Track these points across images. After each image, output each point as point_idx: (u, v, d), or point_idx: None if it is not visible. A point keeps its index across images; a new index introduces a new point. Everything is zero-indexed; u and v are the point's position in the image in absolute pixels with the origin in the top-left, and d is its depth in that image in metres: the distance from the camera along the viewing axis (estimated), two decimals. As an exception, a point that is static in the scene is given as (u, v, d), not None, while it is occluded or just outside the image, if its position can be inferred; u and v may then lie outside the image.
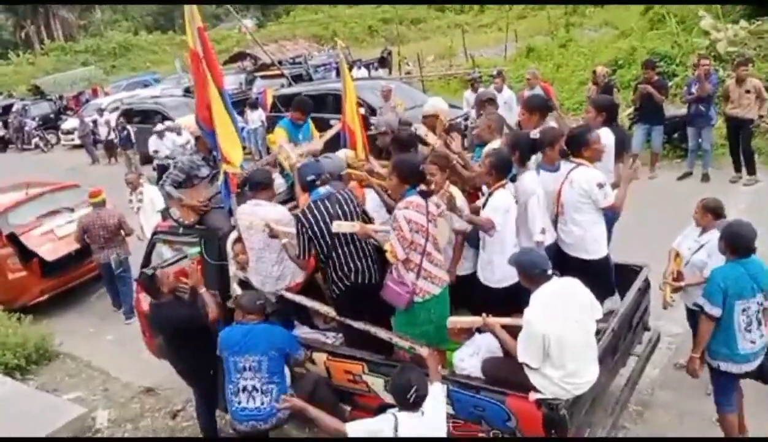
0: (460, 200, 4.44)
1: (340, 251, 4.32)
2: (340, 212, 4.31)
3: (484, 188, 4.58)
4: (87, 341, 7.45)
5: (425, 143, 5.07)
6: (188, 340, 4.68)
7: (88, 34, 50.85)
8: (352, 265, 4.34)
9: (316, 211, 4.30)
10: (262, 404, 4.15)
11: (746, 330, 3.97)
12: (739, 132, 8.89)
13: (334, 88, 11.27)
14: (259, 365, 4.15)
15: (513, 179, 4.36)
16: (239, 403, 4.18)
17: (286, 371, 4.36)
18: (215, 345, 4.38)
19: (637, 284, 4.67)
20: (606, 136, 4.64)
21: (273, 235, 4.56)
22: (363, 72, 20.41)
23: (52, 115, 25.20)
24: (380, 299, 4.18)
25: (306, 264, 4.58)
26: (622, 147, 5.05)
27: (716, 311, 3.94)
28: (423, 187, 4.08)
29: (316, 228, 4.26)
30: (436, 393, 3.46)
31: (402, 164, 4.16)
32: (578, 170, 4.38)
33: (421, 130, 5.07)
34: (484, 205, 4.33)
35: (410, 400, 3.27)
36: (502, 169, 4.23)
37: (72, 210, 8.59)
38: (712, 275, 4.01)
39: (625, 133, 4.91)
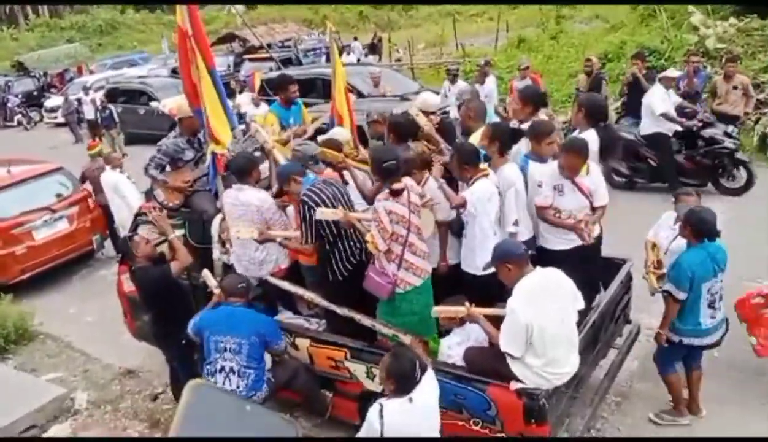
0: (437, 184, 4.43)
1: (347, 232, 4.35)
2: (338, 194, 4.39)
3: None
4: (67, 322, 7.37)
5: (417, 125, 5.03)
6: (161, 301, 4.71)
7: (73, 10, 49.90)
8: (359, 244, 4.38)
9: (320, 193, 4.31)
10: (238, 386, 4.16)
11: (709, 307, 4.26)
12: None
13: (323, 73, 11.20)
14: (239, 348, 4.16)
15: (486, 158, 4.38)
16: (215, 383, 4.17)
17: (266, 356, 4.36)
18: (188, 308, 4.44)
19: (620, 276, 4.70)
20: (591, 139, 4.51)
21: (264, 239, 4.55)
22: (352, 58, 20.28)
23: (35, 92, 24.84)
24: None
25: (313, 248, 4.50)
26: (612, 149, 5.01)
27: (683, 295, 4.19)
28: (396, 186, 4.01)
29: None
30: (428, 380, 3.40)
31: (378, 161, 4.09)
32: (549, 164, 4.39)
33: (413, 110, 5.04)
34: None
35: (417, 378, 3.22)
36: (471, 161, 4.24)
37: (53, 211, 8.44)
38: (680, 262, 4.20)
39: (615, 134, 4.76)
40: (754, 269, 6.01)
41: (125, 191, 8.03)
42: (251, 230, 4.52)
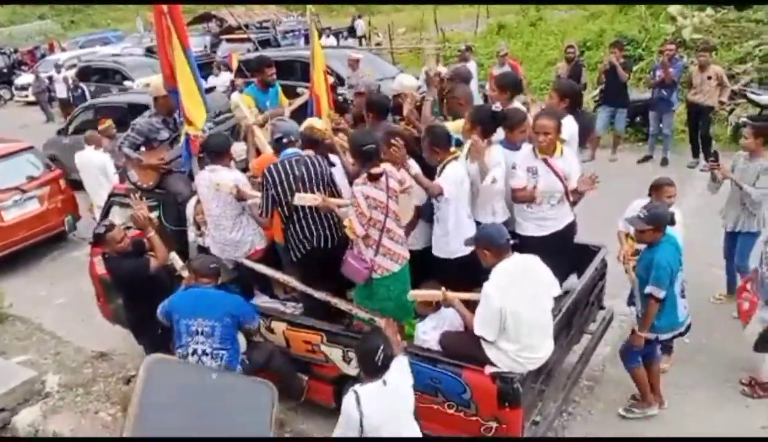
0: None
1: (302, 214, 4.30)
2: (305, 175, 4.30)
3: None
4: (38, 304, 7.25)
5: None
6: (135, 292, 4.67)
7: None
8: (313, 229, 4.33)
9: (282, 170, 4.27)
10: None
11: (681, 296, 4.26)
12: (698, 118, 9.08)
13: (302, 55, 11.06)
14: (212, 331, 4.12)
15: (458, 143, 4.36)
16: None
17: (241, 338, 4.33)
18: (164, 298, 4.36)
19: (595, 263, 4.75)
20: (570, 125, 4.57)
21: (240, 197, 4.49)
22: (332, 40, 20.11)
23: (5, 70, 24.19)
24: (340, 266, 4.15)
25: (269, 223, 4.52)
26: (587, 132, 5.03)
27: (664, 294, 4.13)
28: (374, 170, 3.98)
29: (279, 187, 4.24)
30: (401, 364, 3.40)
31: (356, 144, 4.06)
32: (523, 148, 4.40)
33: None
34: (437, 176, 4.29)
35: (378, 362, 3.20)
36: (441, 143, 4.24)
37: (24, 191, 8.25)
38: (659, 262, 4.09)
39: (590, 119, 4.81)
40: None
41: (112, 173, 7.86)
42: (230, 185, 4.47)
